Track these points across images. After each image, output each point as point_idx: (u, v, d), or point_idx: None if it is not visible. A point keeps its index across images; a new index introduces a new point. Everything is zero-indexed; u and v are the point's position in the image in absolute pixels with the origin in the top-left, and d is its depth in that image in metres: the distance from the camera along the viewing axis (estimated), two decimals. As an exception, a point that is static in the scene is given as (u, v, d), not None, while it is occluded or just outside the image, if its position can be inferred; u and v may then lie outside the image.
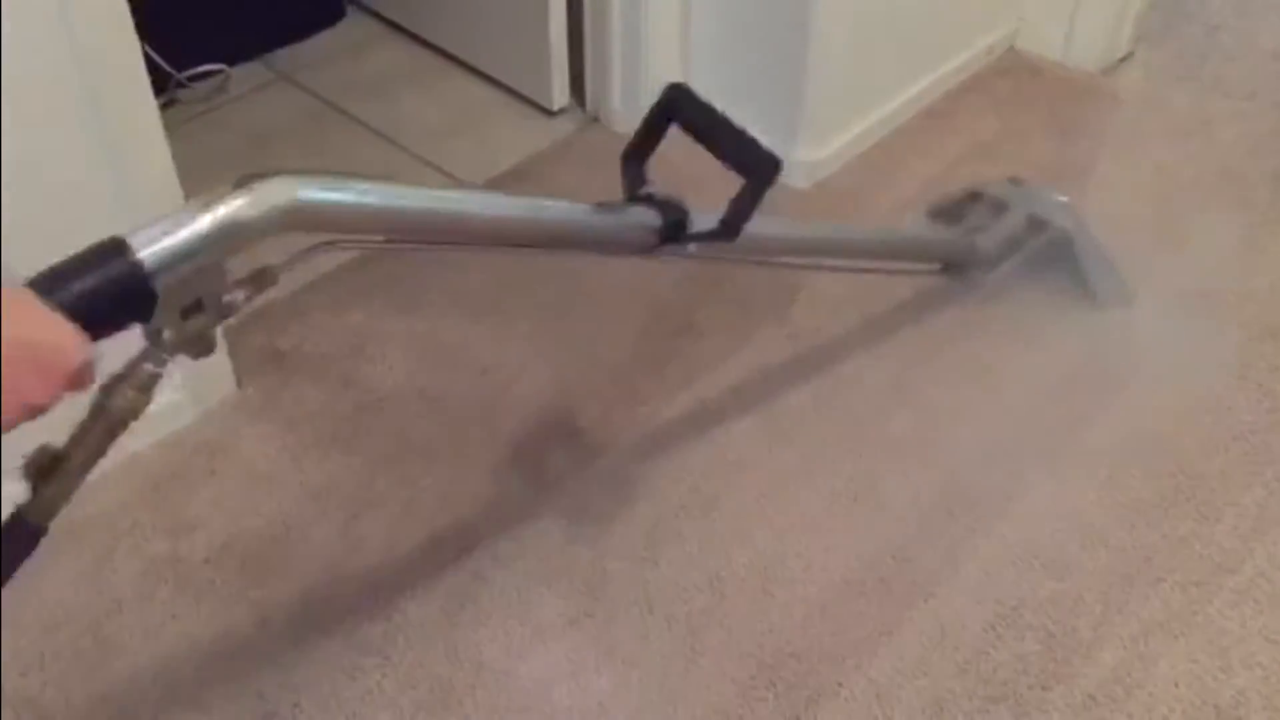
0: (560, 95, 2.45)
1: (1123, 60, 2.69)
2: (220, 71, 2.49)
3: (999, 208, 2.02)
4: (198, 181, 1.68)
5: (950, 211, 2.09)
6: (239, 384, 1.87)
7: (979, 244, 1.94)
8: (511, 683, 1.53)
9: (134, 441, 1.76)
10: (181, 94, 2.42)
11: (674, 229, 1.15)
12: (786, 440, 1.83)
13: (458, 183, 2.30)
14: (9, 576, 0.85)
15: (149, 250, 0.78)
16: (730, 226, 1.15)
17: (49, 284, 0.74)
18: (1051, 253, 2.01)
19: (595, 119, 2.46)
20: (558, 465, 1.80)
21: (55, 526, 1.68)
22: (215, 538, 1.68)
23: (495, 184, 2.30)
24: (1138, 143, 2.47)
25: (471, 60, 2.58)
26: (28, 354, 0.69)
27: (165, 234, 0.79)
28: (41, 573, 1.62)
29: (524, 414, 1.87)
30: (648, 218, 1.15)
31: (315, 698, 1.51)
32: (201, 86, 2.47)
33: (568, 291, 2.07)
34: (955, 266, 1.96)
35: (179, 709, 1.49)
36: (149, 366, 0.83)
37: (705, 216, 1.20)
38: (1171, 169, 2.39)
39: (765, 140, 2.22)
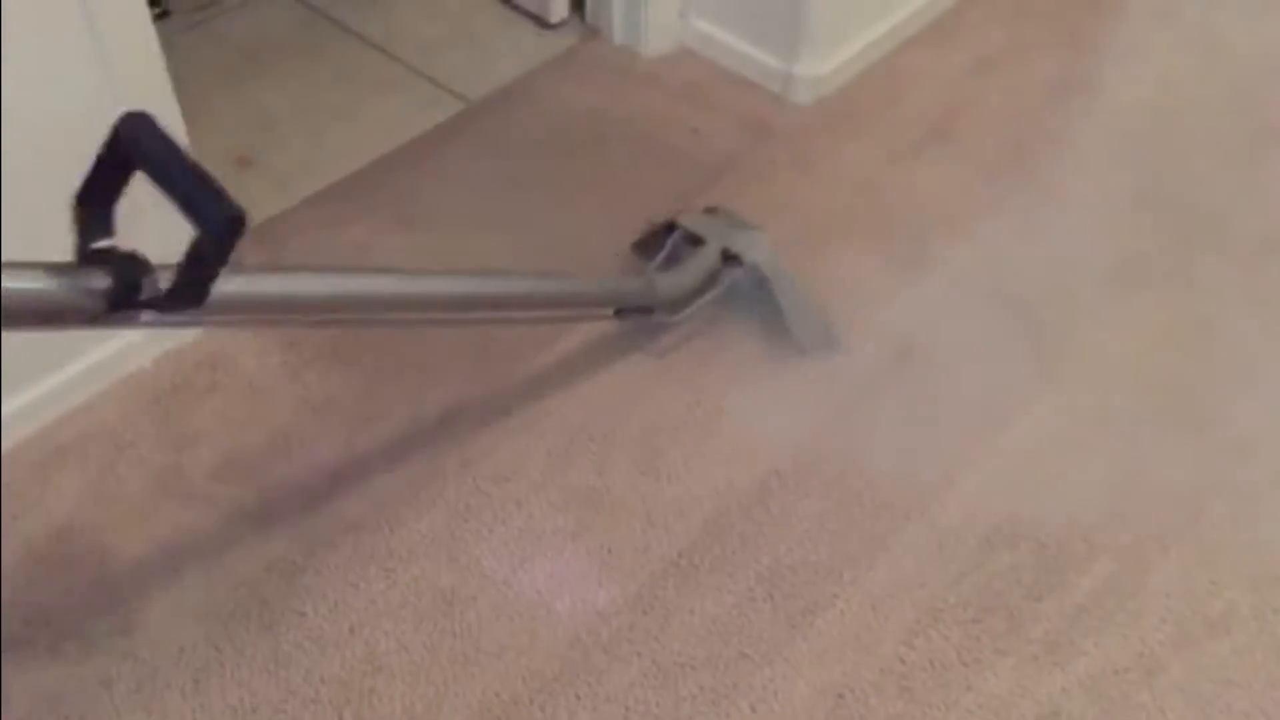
0: (559, 7, 2.42)
1: (1132, -29, 2.64)
2: (214, -18, 2.46)
3: (693, 241, 1.84)
4: (193, 95, 1.67)
5: (651, 244, 1.91)
6: (239, 299, 1.87)
7: (658, 284, 1.73)
8: (512, 594, 1.55)
9: (136, 356, 1.77)
10: (174, 4, 2.38)
11: (124, 293, 0.93)
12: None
13: (457, 97, 2.28)
14: None
15: None
16: (189, 290, 0.93)
17: None
18: (751, 290, 1.84)
19: (595, 32, 2.42)
20: (558, 379, 1.80)
21: (59, 442, 1.70)
22: (218, 451, 1.70)
23: (496, 97, 2.28)
24: (1145, 58, 2.44)
25: (469, -29, 2.53)
26: None
27: None
28: (46, 485, 1.64)
29: (524, 328, 1.87)
30: (94, 280, 0.92)
31: (320, 607, 1.53)
32: (195, -3, 2.44)
33: (568, 206, 2.06)
34: (633, 310, 1.75)
35: (183, 618, 1.52)
36: None
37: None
38: (1179, 84, 2.36)
39: (766, 56, 2.24)
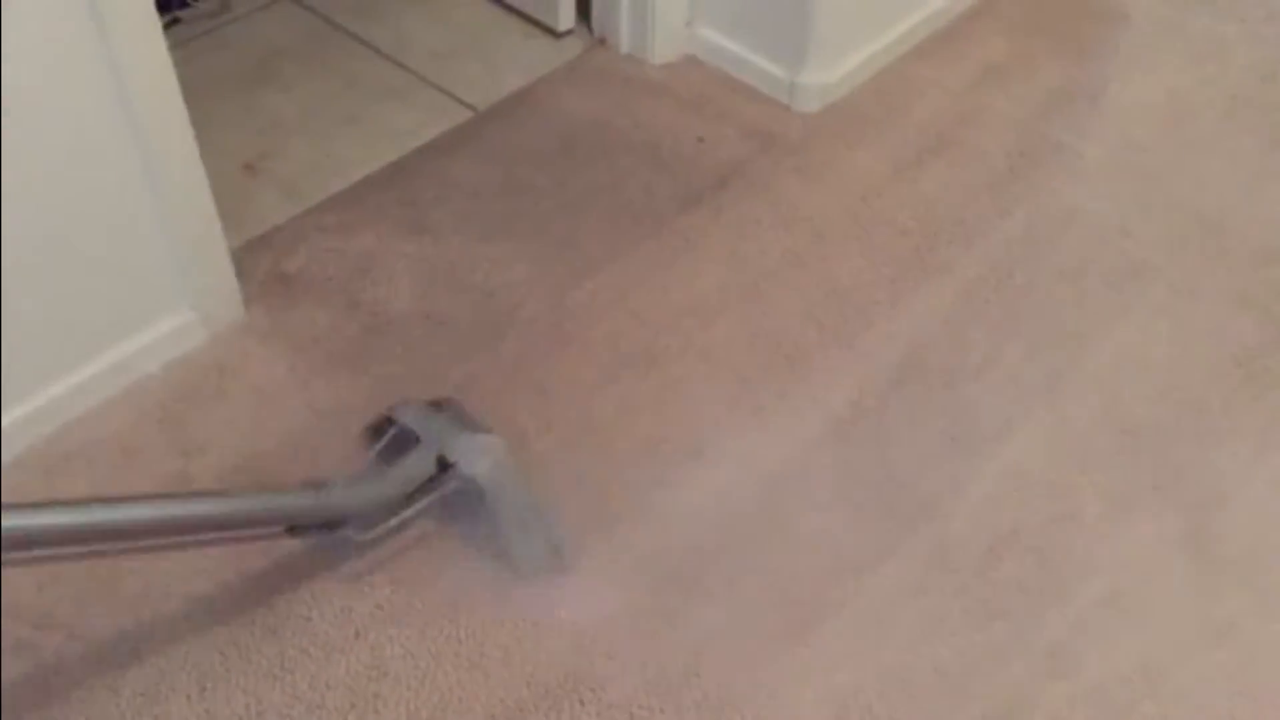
0: (566, 16, 2.43)
1: (1137, -18, 2.65)
2: (224, -10, 2.47)
3: (409, 440, 1.58)
4: (201, 102, 1.68)
5: (379, 432, 1.65)
6: (247, 307, 1.88)
7: (338, 496, 1.47)
8: (516, 600, 1.56)
9: (144, 362, 1.78)
10: (184, 13, 2.39)
11: None
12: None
13: (465, 106, 2.29)
14: None
15: None
16: None
17: None
18: (468, 504, 1.58)
19: (602, 41, 2.43)
20: (562, 388, 1.81)
21: (66, 448, 1.70)
22: (225, 458, 1.70)
23: (503, 106, 2.29)
24: (1150, 66, 2.44)
25: (476, -21, 2.55)
26: None
27: None
28: (53, 491, 1.65)
29: (530, 336, 1.88)
30: None
31: (325, 612, 1.54)
32: (204, 5, 2.44)
33: (575, 214, 2.07)
34: (310, 527, 1.48)
35: (188, 622, 1.53)
36: None
37: None
38: (1183, 93, 2.37)
39: (772, 65, 2.25)
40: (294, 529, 1.47)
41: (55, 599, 1.54)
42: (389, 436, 1.61)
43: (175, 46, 1.58)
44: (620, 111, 2.29)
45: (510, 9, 2.50)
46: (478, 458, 1.56)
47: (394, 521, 1.52)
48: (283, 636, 1.52)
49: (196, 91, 1.65)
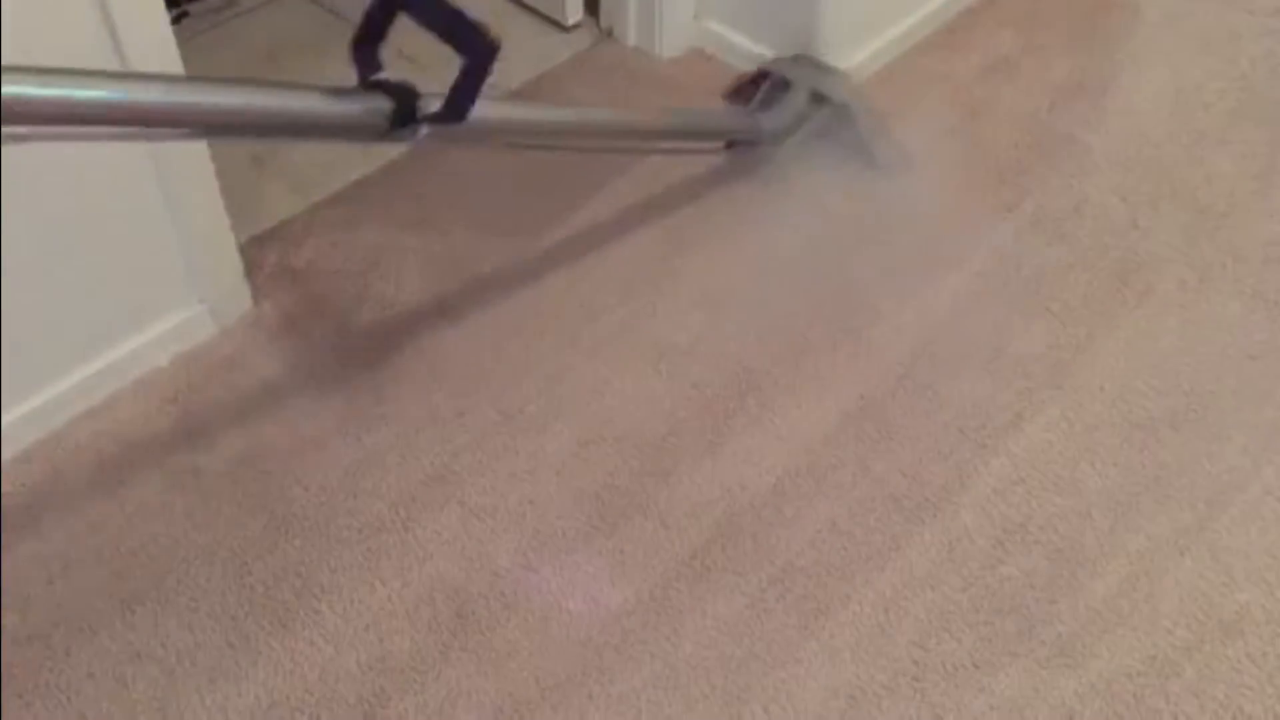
0: (574, 10, 2.42)
1: (1146, -26, 2.63)
2: (230, -15, 2.47)
3: (784, 85, 2.13)
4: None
5: (744, 91, 2.21)
6: (255, 301, 1.88)
7: (762, 121, 2.06)
8: (525, 594, 1.56)
9: (153, 356, 1.78)
10: (191, 7, 2.39)
11: (404, 114, 1.16)
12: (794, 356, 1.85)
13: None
14: None
15: None
16: (455, 109, 1.17)
17: None
18: (835, 123, 2.14)
19: (609, 34, 2.43)
20: (574, 381, 1.81)
21: (76, 441, 1.71)
22: (234, 450, 1.71)
23: (515, 97, 2.29)
24: (1159, 58, 2.43)
25: (484, -27, 2.54)
26: None
27: None
28: (61, 484, 1.65)
29: (539, 328, 1.88)
30: (379, 103, 1.15)
31: (335, 605, 1.54)
32: (212, 0, 2.44)
33: (584, 206, 2.07)
34: (741, 143, 2.08)
35: (199, 616, 1.53)
36: None
37: (439, 100, 1.19)
38: (1193, 85, 2.36)
39: (780, 58, 2.24)
40: (730, 144, 2.08)
41: (63, 592, 1.55)
42: (766, 86, 2.16)
43: (183, 41, 1.57)
44: (627, 104, 2.28)
45: (518, 2, 2.50)
46: (841, 88, 2.15)
47: (796, 136, 2.12)
48: (293, 630, 1.52)
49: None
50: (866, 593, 1.57)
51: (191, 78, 1.07)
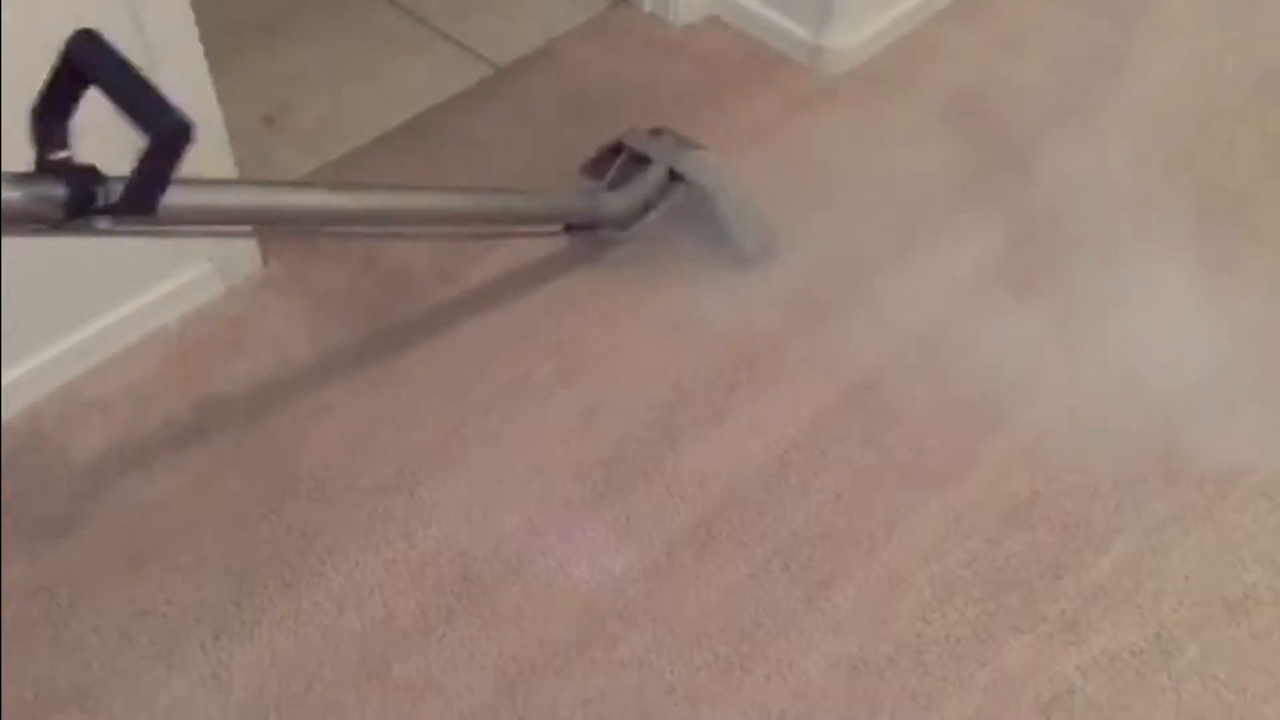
0: (590, -27, 2.40)
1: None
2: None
3: (640, 161, 1.91)
4: (221, 53, 1.67)
5: (600, 164, 1.95)
6: (264, 261, 1.88)
7: (606, 203, 1.85)
8: (530, 560, 1.56)
9: (161, 314, 1.78)
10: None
11: (80, 201, 0.99)
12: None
13: (485, 62, 2.27)
14: None
15: None
16: (138, 198, 1.00)
17: None
18: (697, 207, 1.91)
19: (627, 1, 2.40)
20: (578, 352, 1.80)
21: (83, 396, 1.70)
22: (241, 410, 1.71)
23: (523, 63, 2.27)
24: (1177, 33, 2.40)
25: (499, -65, 2.52)
26: None
27: None
28: (70, 439, 1.66)
29: (547, 297, 1.87)
30: (53, 190, 0.98)
31: (340, 567, 1.55)
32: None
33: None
34: (581, 226, 1.86)
35: (204, 574, 1.54)
36: None
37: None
38: (1212, 62, 2.33)
39: (797, 26, 2.22)
40: (569, 227, 1.85)
41: (69, 550, 1.55)
42: (621, 161, 1.93)
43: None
44: (640, 71, 2.27)
45: (532, -35, 2.47)
46: (703, 168, 1.89)
47: (647, 219, 1.90)
48: (298, 590, 1.52)
49: (216, 42, 1.64)
50: (870, 565, 1.57)
51: None
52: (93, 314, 1.72)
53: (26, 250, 1.53)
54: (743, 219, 1.90)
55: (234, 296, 1.84)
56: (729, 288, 1.89)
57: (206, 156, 1.69)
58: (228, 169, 1.75)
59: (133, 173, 0.98)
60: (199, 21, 1.58)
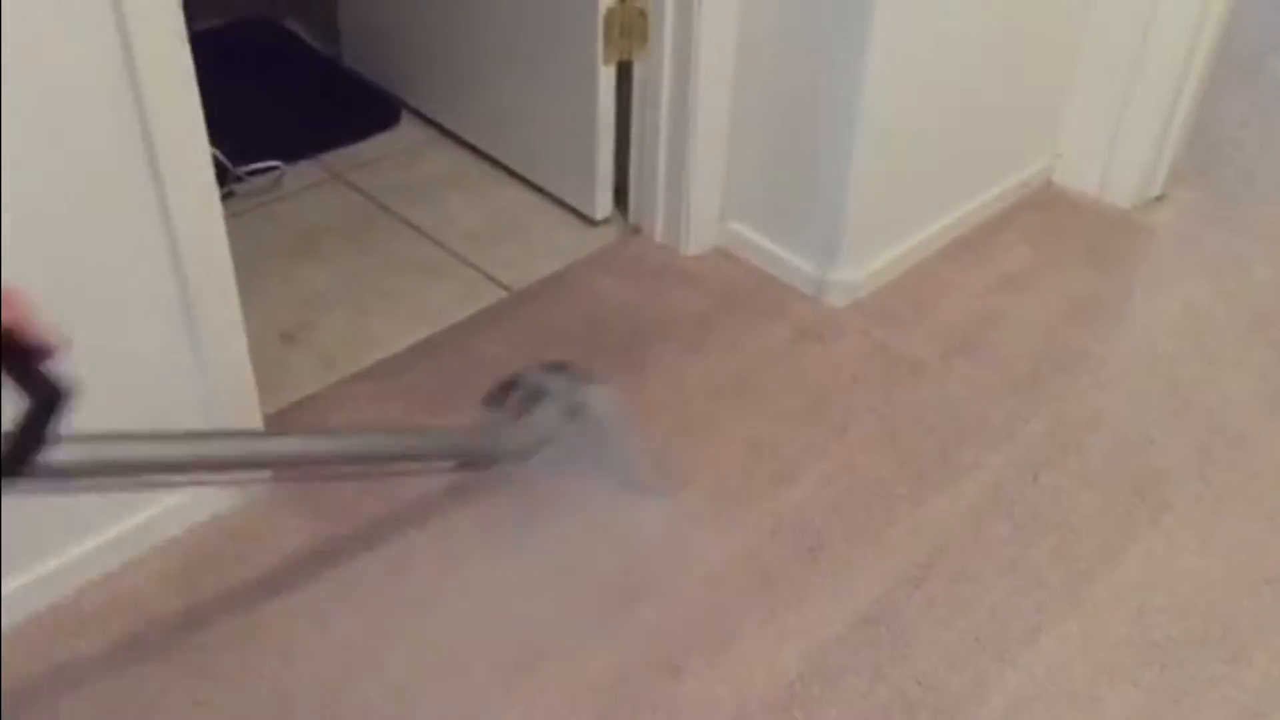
0: (603, 206, 2.51)
1: (1157, 200, 2.72)
2: (276, 168, 2.57)
3: (536, 395, 1.88)
4: (245, 272, 1.74)
5: (498, 396, 1.93)
6: (274, 474, 1.89)
7: (502, 439, 1.82)
8: None
9: (167, 526, 1.78)
10: (238, 187, 2.49)
11: None
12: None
13: (500, 286, 2.34)
14: None
15: None
16: (14, 456, 0.96)
17: None
18: (595, 440, 1.88)
19: (638, 230, 2.51)
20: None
21: (85, 608, 1.68)
22: (240, 623, 1.69)
23: (536, 291, 2.34)
24: (1171, 280, 2.50)
25: (519, 168, 2.64)
26: None
27: None
28: (69, 647, 1.63)
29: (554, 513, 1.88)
30: None
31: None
32: (258, 181, 2.54)
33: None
34: (476, 462, 1.81)
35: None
36: None
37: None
38: (1205, 307, 2.41)
39: (801, 261, 2.31)
40: (464, 464, 1.78)
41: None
42: (519, 395, 1.89)
43: (227, 218, 1.64)
44: (651, 299, 2.34)
45: (548, 195, 2.59)
46: (602, 404, 1.89)
47: (536, 458, 1.82)
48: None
49: (242, 262, 1.70)
50: (879, 807, 1.52)
51: None
52: (100, 525, 1.72)
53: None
54: (633, 454, 1.90)
55: (242, 509, 1.84)
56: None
57: (227, 370, 1.74)
58: (247, 382, 1.78)
59: (9, 432, 0.95)
60: (230, 242, 1.65)
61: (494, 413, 1.90)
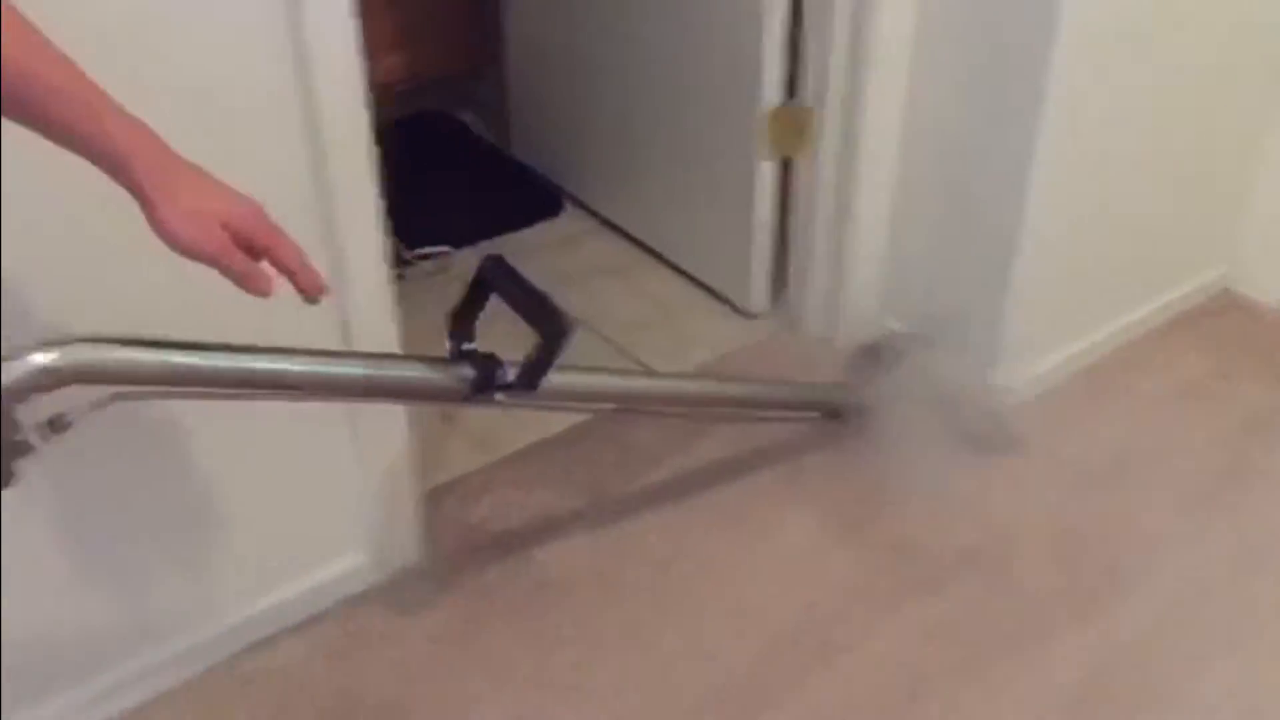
0: (759, 299, 2.51)
1: (1343, 311, 2.59)
2: (445, 253, 2.66)
3: (897, 356, 2.16)
4: (416, 348, 1.78)
5: (858, 361, 2.24)
6: (424, 551, 1.92)
7: (862, 397, 2.10)
8: None
9: (321, 598, 1.82)
10: (408, 270, 2.58)
11: (483, 382, 1.29)
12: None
13: (649, 369, 2.36)
14: None
15: None
16: (528, 380, 1.29)
17: None
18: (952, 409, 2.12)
19: (792, 324, 2.49)
20: (734, 663, 1.77)
21: (239, 671, 1.73)
22: (387, 702, 1.71)
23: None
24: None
25: (677, 259, 2.67)
26: None
27: None
28: (222, 714, 1.67)
29: (698, 607, 1.85)
30: (464, 371, 1.29)
31: None
32: (427, 264, 2.63)
33: (751, 486, 2.08)
34: (838, 413, 2.13)
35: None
36: None
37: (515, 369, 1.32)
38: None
39: (960, 361, 2.26)
40: (826, 414, 2.13)
41: None
42: (879, 357, 2.17)
43: (398, 299, 1.70)
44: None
45: (706, 287, 2.61)
46: (954, 365, 2.14)
47: (895, 413, 2.07)
48: None
49: (408, 341, 1.75)
50: None
51: (305, 350, 1.17)
52: (259, 593, 1.77)
53: (204, 521, 1.62)
54: (998, 423, 2.14)
55: (393, 586, 1.87)
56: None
57: (387, 449, 1.78)
58: (404, 461, 1.82)
59: (525, 360, 1.28)
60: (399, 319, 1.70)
61: (857, 373, 2.19)
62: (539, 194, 2.93)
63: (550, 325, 1.24)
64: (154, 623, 1.68)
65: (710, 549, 1.97)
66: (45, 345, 0.94)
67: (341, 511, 1.80)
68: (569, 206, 2.92)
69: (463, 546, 1.95)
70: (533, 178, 2.99)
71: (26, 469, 0.95)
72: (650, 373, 1.99)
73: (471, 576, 1.90)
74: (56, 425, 0.97)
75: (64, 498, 1.51)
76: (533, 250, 2.73)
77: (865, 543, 1.98)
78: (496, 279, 1.29)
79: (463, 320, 1.31)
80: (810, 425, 2.17)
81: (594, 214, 2.88)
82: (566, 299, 2.47)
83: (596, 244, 2.80)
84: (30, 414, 0.94)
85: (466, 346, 1.31)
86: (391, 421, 1.78)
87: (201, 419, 1.56)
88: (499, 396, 1.31)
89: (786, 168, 2.38)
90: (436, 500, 2.01)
